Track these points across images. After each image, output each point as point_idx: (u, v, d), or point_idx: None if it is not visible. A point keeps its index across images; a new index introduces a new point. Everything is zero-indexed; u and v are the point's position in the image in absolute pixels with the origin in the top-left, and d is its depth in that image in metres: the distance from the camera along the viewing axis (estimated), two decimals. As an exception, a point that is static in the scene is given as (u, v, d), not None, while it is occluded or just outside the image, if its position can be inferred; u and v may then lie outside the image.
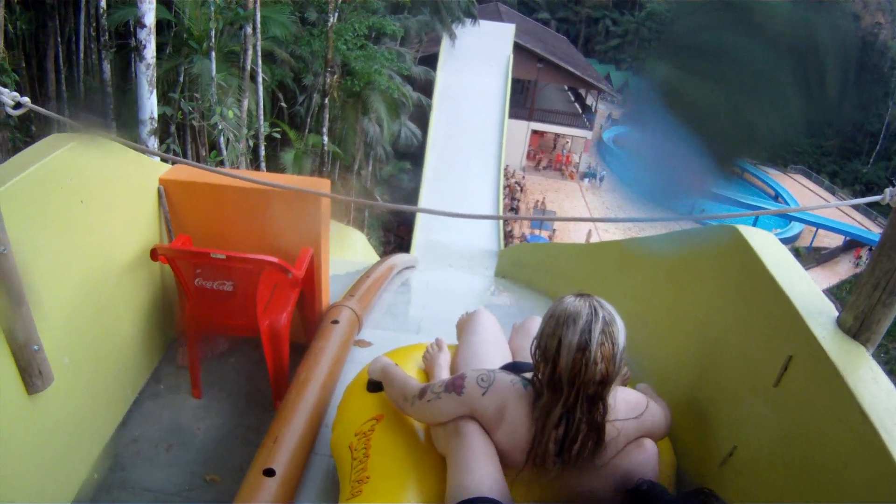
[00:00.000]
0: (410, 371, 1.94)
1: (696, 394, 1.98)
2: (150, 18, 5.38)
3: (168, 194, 2.71)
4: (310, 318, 2.92)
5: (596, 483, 1.54)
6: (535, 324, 2.03)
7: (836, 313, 1.56)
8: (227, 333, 2.88)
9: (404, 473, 1.63)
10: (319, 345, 2.60)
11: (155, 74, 5.29)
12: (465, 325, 2.15)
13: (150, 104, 5.34)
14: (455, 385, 1.58)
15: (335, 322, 2.80)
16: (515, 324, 2.24)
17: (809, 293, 1.62)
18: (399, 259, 5.97)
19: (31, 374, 1.82)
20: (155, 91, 5.37)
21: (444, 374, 1.89)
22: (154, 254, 2.34)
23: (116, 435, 2.38)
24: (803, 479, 1.43)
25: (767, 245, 1.84)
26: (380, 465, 1.66)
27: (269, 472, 1.82)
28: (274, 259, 2.30)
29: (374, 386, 1.89)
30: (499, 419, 1.53)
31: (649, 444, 1.58)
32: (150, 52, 5.32)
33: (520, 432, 1.52)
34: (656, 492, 1.48)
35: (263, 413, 2.59)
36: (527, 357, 1.81)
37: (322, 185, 2.82)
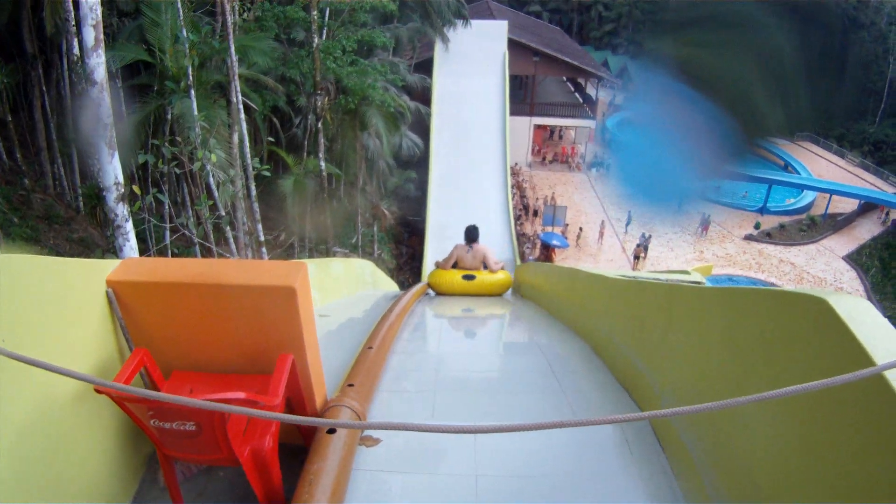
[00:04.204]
0: None
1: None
2: (100, 74, 4.78)
3: (119, 298, 2.25)
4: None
5: None
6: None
7: None
8: (203, 464, 2.41)
9: None
10: (314, 468, 2.12)
11: (114, 135, 4.74)
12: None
13: (112, 169, 4.78)
14: None
15: (331, 432, 2.32)
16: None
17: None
18: (405, 302, 5.51)
19: None
20: (117, 153, 4.81)
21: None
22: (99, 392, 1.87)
23: None
24: None
25: (870, 325, 1.33)
26: None
27: None
28: (240, 394, 1.82)
29: None
30: None
31: None
32: (106, 110, 4.74)
33: None
34: None
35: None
36: None
37: (297, 268, 2.31)
